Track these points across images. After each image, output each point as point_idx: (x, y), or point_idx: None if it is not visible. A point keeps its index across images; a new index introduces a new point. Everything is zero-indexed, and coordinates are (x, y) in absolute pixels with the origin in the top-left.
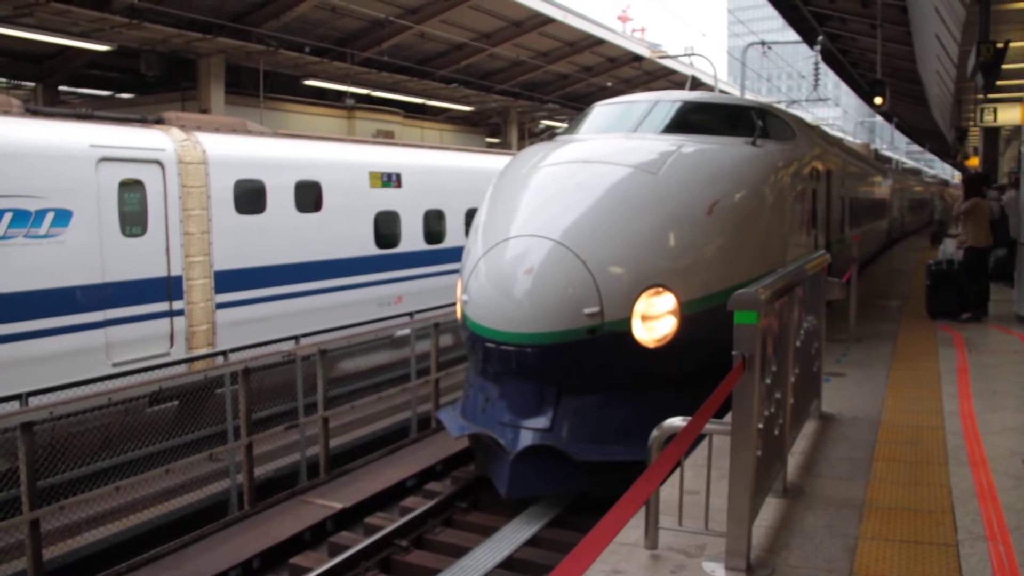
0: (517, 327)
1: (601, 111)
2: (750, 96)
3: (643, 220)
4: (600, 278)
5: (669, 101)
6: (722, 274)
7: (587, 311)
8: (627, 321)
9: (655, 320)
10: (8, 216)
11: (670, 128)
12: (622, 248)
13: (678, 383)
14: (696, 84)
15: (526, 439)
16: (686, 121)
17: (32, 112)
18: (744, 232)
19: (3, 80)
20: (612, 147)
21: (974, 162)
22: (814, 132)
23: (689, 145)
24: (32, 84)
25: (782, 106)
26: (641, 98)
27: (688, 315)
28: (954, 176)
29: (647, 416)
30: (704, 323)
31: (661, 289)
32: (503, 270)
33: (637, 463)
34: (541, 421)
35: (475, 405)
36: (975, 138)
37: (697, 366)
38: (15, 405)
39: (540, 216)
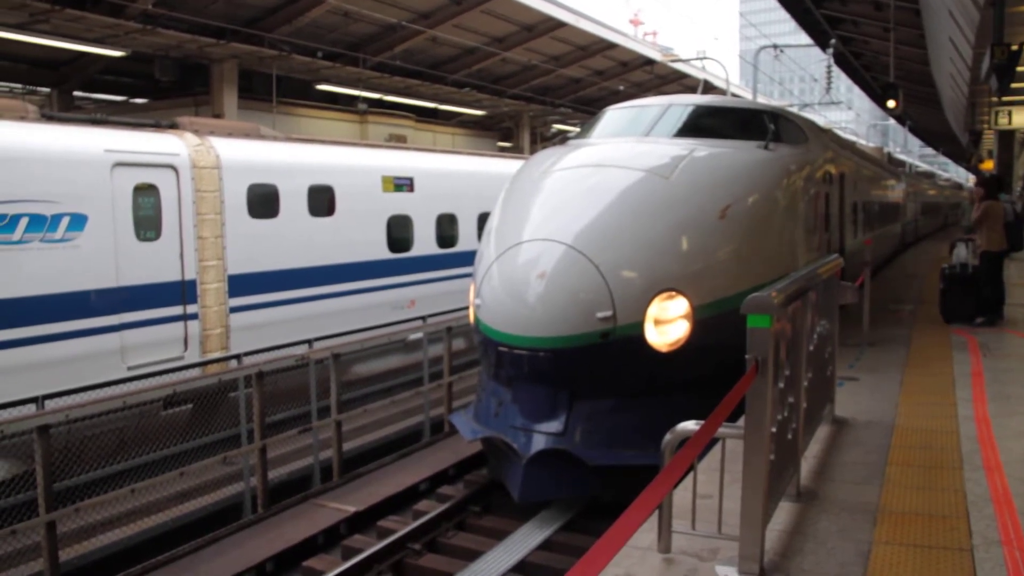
0: (530, 331)
1: (613, 115)
2: (762, 99)
3: (655, 224)
4: (613, 282)
5: (681, 105)
6: (735, 278)
7: (600, 315)
8: (640, 325)
9: (668, 324)
10: (24, 221)
11: (682, 132)
12: (634, 252)
13: (691, 387)
14: (708, 88)
15: (539, 443)
16: (698, 125)
17: (47, 117)
18: (757, 236)
19: (19, 86)
20: (624, 151)
21: (989, 165)
22: (826, 136)
23: (701, 149)
24: (47, 90)
25: (794, 110)
26: (653, 102)
27: (701, 319)
28: (968, 179)
29: (660, 420)
30: (717, 327)
31: (674, 293)
32: (516, 274)
33: (650, 467)
34: (554, 425)
35: (488, 409)
36: (990, 141)
37: (710, 370)
38: (31, 408)
39: (553, 220)
